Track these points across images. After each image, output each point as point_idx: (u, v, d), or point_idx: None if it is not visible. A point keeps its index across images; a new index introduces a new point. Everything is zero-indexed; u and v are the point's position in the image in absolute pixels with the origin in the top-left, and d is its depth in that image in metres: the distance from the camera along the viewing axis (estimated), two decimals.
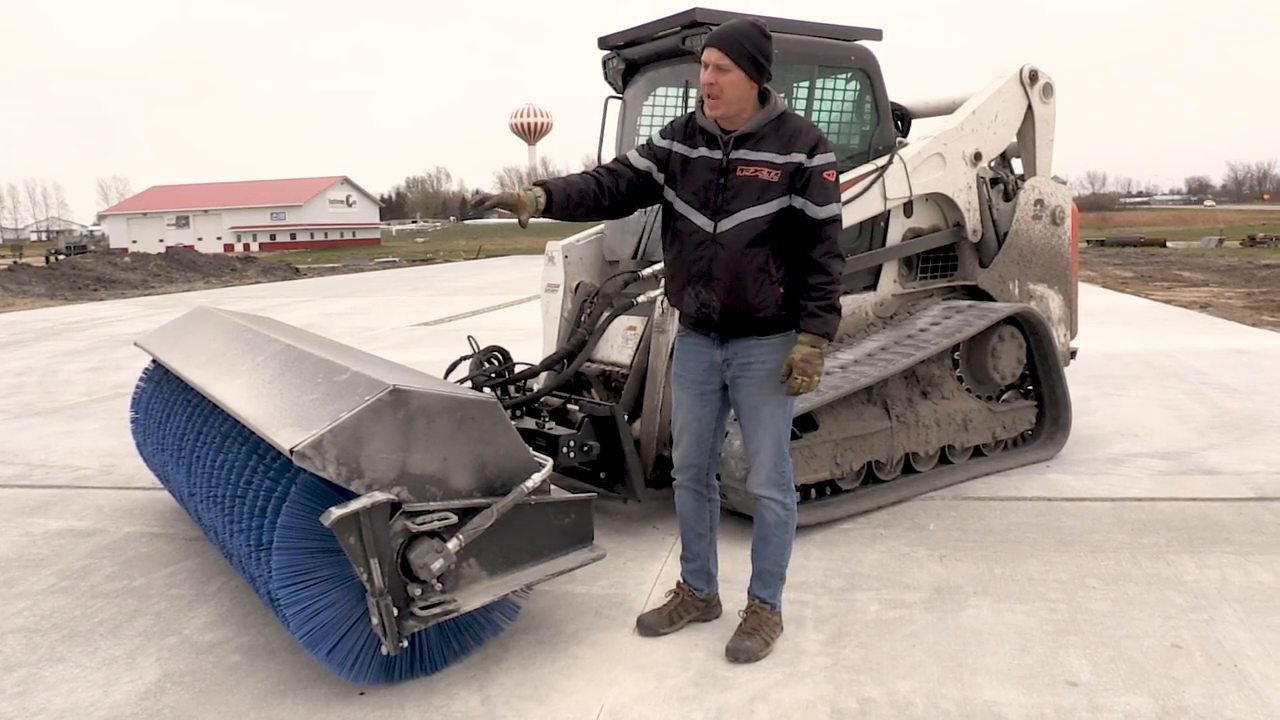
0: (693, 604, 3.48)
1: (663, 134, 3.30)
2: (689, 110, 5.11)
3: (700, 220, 3.15)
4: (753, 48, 3.01)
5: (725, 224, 3.10)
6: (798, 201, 3.05)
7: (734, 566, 3.99)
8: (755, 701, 2.91)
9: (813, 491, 4.56)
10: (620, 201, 3.27)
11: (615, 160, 3.33)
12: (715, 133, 3.14)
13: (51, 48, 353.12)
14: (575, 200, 3.20)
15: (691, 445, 3.37)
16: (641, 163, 3.27)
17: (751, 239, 3.07)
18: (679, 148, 3.23)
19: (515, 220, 3.07)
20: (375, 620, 2.82)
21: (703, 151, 3.17)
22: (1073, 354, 6.05)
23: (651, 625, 3.40)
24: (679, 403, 3.38)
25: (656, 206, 3.36)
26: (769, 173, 3.06)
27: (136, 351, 9.11)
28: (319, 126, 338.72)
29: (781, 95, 3.16)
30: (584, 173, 3.27)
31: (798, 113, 3.18)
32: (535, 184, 3.15)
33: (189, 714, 2.93)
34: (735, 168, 3.10)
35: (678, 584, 3.52)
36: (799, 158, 3.04)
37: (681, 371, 3.36)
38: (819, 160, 3.04)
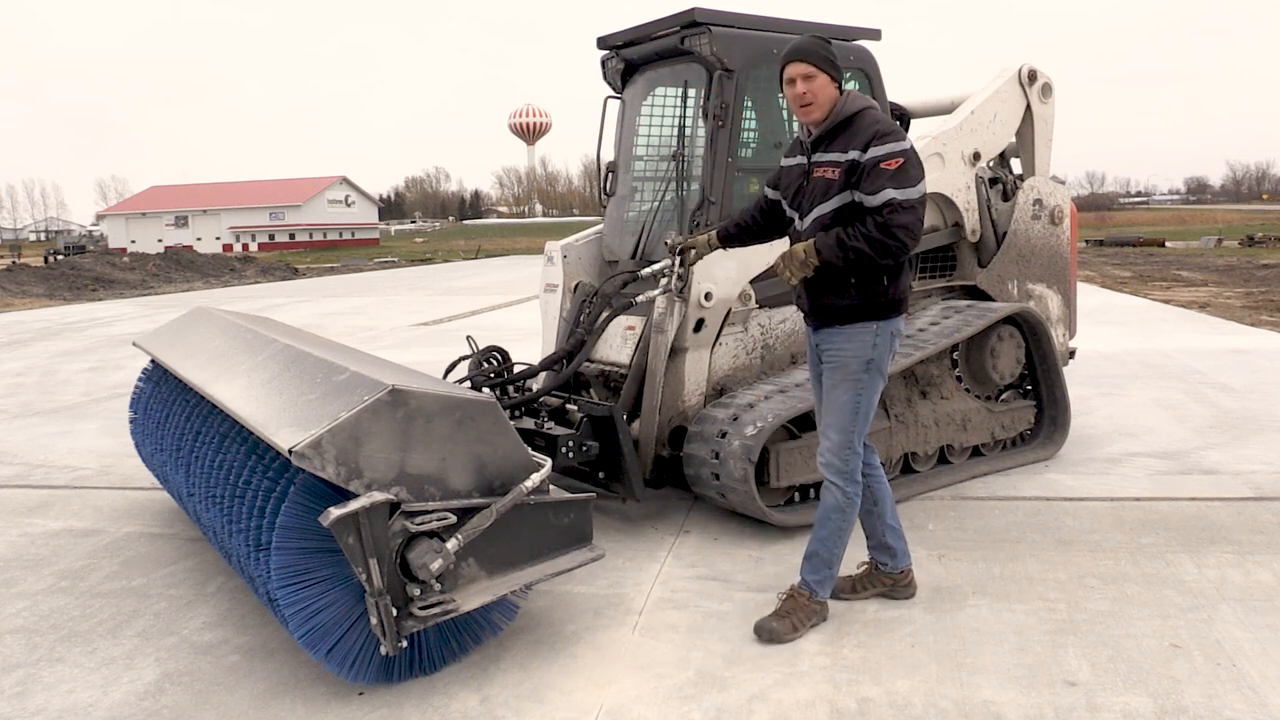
0: (878, 577, 3.63)
1: (784, 155, 3.62)
2: (687, 111, 5.16)
3: (796, 221, 3.45)
4: (827, 52, 3.28)
5: (804, 223, 3.37)
6: (857, 195, 3.21)
7: (732, 565, 4.00)
8: (754, 701, 2.91)
9: (812, 491, 4.56)
10: (764, 225, 3.70)
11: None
12: (804, 138, 3.41)
13: (49, 48, 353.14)
14: (734, 232, 3.79)
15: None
16: (767, 190, 3.68)
17: (819, 233, 3.25)
18: (785, 161, 3.57)
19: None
20: (374, 620, 2.82)
21: (797, 159, 3.46)
22: (1071, 354, 6.05)
23: (837, 589, 3.55)
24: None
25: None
26: (832, 171, 3.27)
27: (135, 351, 9.11)
28: (317, 126, 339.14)
29: (856, 93, 3.35)
30: (749, 206, 3.81)
31: (873, 107, 3.32)
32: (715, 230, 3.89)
33: (188, 714, 2.93)
34: (814, 169, 3.35)
35: (869, 559, 3.67)
36: (854, 154, 3.20)
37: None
38: (872, 153, 3.15)
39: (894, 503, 3.62)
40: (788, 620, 3.29)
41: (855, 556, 3.73)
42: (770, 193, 3.65)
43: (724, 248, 3.89)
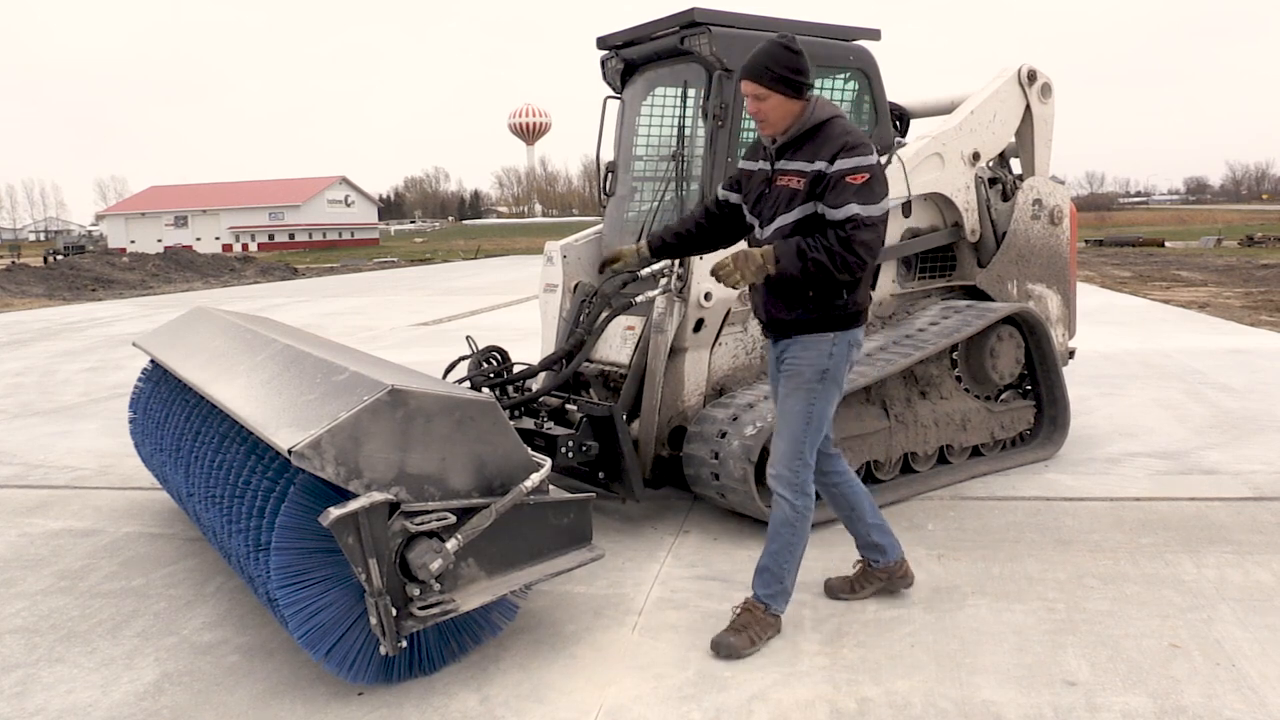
0: (873, 574, 3.61)
1: (743, 157, 3.53)
2: (686, 111, 5.16)
3: (756, 229, 3.36)
4: (781, 68, 3.12)
5: (765, 231, 3.28)
6: (820, 207, 3.13)
7: (732, 565, 4.00)
8: (754, 701, 2.91)
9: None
10: (709, 231, 3.60)
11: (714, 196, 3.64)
12: (767, 143, 3.30)
13: (49, 48, 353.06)
14: (671, 241, 3.65)
15: None
16: (723, 193, 3.56)
17: (779, 240, 3.17)
18: (746, 165, 3.46)
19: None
20: (374, 620, 2.82)
21: (760, 164, 3.36)
22: (1071, 354, 6.06)
23: (834, 589, 3.61)
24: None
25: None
26: (796, 181, 3.18)
27: (135, 351, 9.11)
28: (317, 126, 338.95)
29: (825, 100, 3.26)
30: (688, 213, 3.69)
31: (841, 116, 3.24)
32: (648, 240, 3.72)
33: (187, 714, 2.93)
34: (776, 177, 3.26)
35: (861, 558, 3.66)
36: (821, 165, 3.11)
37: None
38: (839, 165, 3.07)
39: (872, 500, 3.58)
40: (745, 634, 3.22)
41: (851, 556, 3.73)
42: (730, 196, 3.53)
43: (655, 259, 3.75)
